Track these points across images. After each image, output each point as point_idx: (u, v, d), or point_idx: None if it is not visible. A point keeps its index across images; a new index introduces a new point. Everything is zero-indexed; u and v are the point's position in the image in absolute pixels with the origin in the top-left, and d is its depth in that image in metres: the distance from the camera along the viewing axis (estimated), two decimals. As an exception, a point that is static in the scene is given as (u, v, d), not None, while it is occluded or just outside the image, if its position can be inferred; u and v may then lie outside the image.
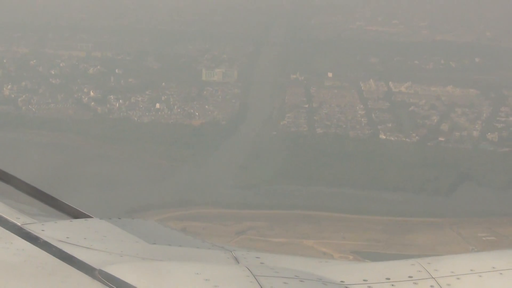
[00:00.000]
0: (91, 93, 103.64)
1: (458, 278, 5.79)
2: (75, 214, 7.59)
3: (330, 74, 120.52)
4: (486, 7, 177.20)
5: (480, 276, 5.82)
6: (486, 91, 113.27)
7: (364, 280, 5.76)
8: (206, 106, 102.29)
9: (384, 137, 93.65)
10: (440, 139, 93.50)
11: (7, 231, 6.53)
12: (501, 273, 5.82)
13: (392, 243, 67.67)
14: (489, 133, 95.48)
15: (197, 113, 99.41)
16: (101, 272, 5.63)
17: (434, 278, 5.78)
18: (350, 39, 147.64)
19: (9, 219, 6.81)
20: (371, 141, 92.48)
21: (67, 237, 6.50)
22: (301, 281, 5.57)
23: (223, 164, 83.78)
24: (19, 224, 6.73)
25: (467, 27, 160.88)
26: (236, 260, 6.31)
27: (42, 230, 6.60)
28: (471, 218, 73.40)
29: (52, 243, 6.30)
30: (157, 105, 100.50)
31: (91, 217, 7.46)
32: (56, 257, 6.00)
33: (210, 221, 69.28)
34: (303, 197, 76.02)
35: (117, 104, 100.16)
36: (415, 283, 5.73)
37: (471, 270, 5.87)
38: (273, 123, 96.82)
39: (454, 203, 77.52)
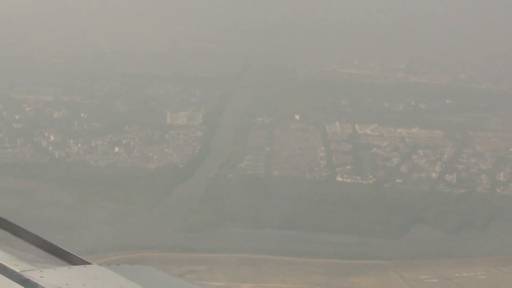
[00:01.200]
0: (51, 138, 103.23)
1: None
2: (74, 260, 7.63)
3: (297, 117, 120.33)
4: (463, 50, 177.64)
5: None
6: (452, 133, 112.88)
7: None
8: (166, 150, 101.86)
9: (340, 179, 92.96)
10: (397, 180, 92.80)
11: (6, 278, 6.54)
12: None
13: (332, 286, 66.72)
14: (447, 174, 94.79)
15: (155, 156, 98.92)
16: None
17: None
18: (323, 82, 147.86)
19: (8, 265, 6.83)
20: (327, 183, 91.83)
21: (66, 284, 6.56)
22: None
23: (173, 207, 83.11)
24: (18, 270, 6.76)
25: (443, 69, 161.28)
26: None
27: (41, 277, 6.63)
28: (416, 261, 72.46)
29: None
30: (116, 149, 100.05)
31: (90, 263, 7.47)
32: None
33: (149, 265, 68.25)
34: (247, 240, 75.14)
35: (76, 148, 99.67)
36: None
37: None
38: (230, 166, 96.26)
39: (402, 245, 76.62)
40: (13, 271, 6.76)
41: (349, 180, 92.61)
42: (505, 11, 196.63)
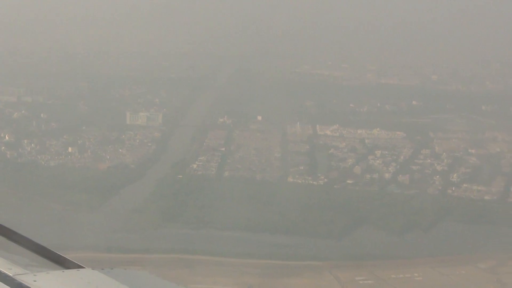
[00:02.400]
0: (6, 137, 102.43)
1: None
2: (67, 264, 7.62)
3: (259, 117, 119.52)
4: (436, 52, 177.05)
5: None
6: (413, 134, 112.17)
7: None
8: (120, 150, 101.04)
9: (292, 180, 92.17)
10: (349, 181, 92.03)
11: None
12: None
13: (264, 287, 65.95)
14: (400, 175, 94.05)
15: (108, 157, 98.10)
16: None
17: None
18: (293, 83, 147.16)
19: (1, 269, 6.78)
20: (277, 184, 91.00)
21: None
22: None
23: (117, 208, 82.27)
24: (11, 274, 6.72)
25: (415, 71, 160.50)
26: None
27: (34, 281, 6.61)
28: (354, 262, 71.73)
29: None
30: (70, 149, 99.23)
31: (83, 267, 7.48)
32: None
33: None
34: (186, 241, 74.36)
35: (29, 148, 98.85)
36: None
37: None
38: (182, 166, 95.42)
39: (343, 246, 75.89)
40: (6, 275, 6.68)
41: (300, 181, 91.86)
42: (478, 13, 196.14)
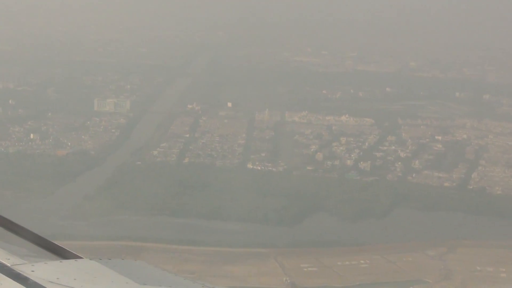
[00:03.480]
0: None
1: None
2: (65, 254, 7.65)
3: (229, 104, 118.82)
4: (416, 39, 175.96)
5: None
6: (382, 120, 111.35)
7: None
8: (83, 137, 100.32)
9: (251, 166, 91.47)
10: (308, 168, 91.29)
11: None
12: None
13: (206, 274, 65.22)
14: (361, 162, 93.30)
15: (69, 143, 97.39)
16: None
17: None
18: (270, 70, 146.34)
19: None
20: (236, 170, 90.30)
21: (57, 278, 6.57)
22: None
23: (70, 194, 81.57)
24: (9, 265, 6.76)
25: (394, 57, 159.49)
26: None
27: (32, 271, 6.67)
28: (302, 249, 71.05)
29: (42, 284, 6.36)
30: (31, 136, 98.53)
31: (81, 257, 7.51)
32: None
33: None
34: (136, 228, 73.69)
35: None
36: None
37: None
38: (143, 153, 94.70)
39: (295, 233, 75.16)
40: (4, 265, 6.73)
41: (259, 168, 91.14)
42: (459, 1, 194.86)
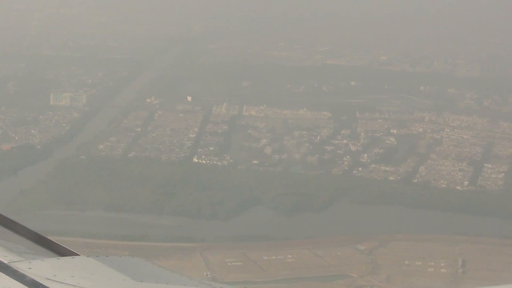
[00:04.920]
0: None
1: None
2: (62, 251, 7.67)
3: (189, 98, 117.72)
4: (388, 32, 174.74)
5: None
6: (339, 114, 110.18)
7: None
8: (32, 131, 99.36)
9: (196, 160, 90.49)
10: (254, 162, 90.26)
11: None
12: None
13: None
14: (309, 156, 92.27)
15: (17, 138, 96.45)
16: None
17: None
18: (238, 64, 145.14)
19: None
20: (180, 164, 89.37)
21: (54, 275, 6.58)
22: None
23: (6, 189, 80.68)
24: (6, 262, 6.76)
25: (365, 51, 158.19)
26: None
27: (29, 268, 6.66)
28: (229, 243, 70.28)
29: (39, 281, 6.36)
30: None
31: (78, 254, 7.48)
32: None
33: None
34: (70, 223, 72.77)
35: None
36: None
37: None
38: (88, 147, 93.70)
39: (228, 227, 74.30)
40: (1, 262, 6.72)
41: (204, 162, 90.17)
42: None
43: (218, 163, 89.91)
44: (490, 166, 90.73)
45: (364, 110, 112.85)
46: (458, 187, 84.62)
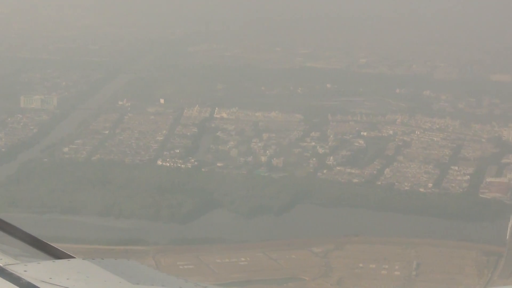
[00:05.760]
0: None
1: None
2: (58, 254, 7.65)
3: (162, 100, 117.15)
4: (369, 35, 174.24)
5: None
6: (311, 116, 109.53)
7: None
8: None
9: (160, 163, 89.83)
10: (218, 164, 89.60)
11: None
12: None
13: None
14: (274, 158, 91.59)
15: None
16: None
17: None
18: (216, 66, 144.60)
19: None
20: (143, 167, 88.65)
21: (50, 278, 6.56)
22: None
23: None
24: (1, 264, 6.72)
25: (345, 54, 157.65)
26: None
27: (25, 271, 6.66)
28: (183, 246, 69.56)
29: (35, 284, 6.34)
30: None
31: (74, 257, 7.53)
32: None
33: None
34: (20, 226, 71.84)
35: None
36: None
37: None
38: (53, 150, 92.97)
39: (184, 230, 73.72)
40: None
41: (168, 164, 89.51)
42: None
43: (182, 165, 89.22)
44: (457, 168, 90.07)
45: (336, 112, 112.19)
46: (421, 190, 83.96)
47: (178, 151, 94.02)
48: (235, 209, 78.03)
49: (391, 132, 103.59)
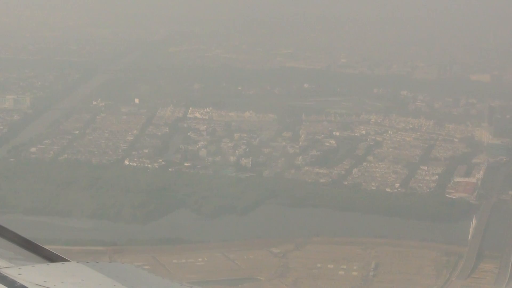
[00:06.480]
0: None
1: None
2: (52, 257, 7.70)
3: (137, 100, 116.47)
4: (351, 35, 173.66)
5: None
6: (285, 116, 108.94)
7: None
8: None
9: (127, 163, 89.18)
10: (186, 164, 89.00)
11: None
12: None
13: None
14: (243, 158, 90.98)
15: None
16: None
17: None
18: (196, 66, 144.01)
19: None
20: (110, 167, 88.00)
21: (44, 281, 6.58)
22: None
23: None
24: None
25: (326, 54, 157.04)
26: None
27: (19, 274, 6.66)
28: (141, 246, 68.95)
29: (29, 287, 6.33)
30: None
31: (68, 260, 7.50)
32: None
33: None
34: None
35: None
36: None
37: None
38: (21, 150, 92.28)
39: (145, 230, 73.07)
40: None
41: (135, 164, 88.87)
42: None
43: (149, 165, 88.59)
44: (426, 168, 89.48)
45: (311, 112, 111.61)
46: (388, 190, 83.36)
47: (146, 151, 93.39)
48: (198, 209, 77.39)
49: (364, 132, 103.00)
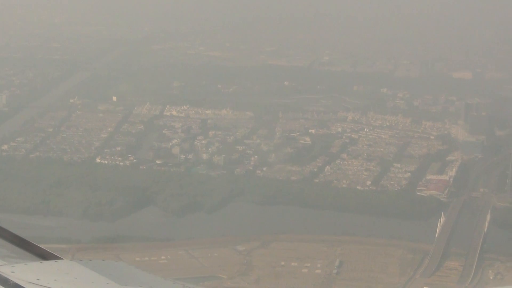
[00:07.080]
0: None
1: None
2: (45, 255, 7.96)
3: (114, 98, 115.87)
4: (335, 32, 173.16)
5: None
6: (262, 114, 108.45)
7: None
8: None
9: (99, 160, 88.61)
10: (157, 162, 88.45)
11: None
12: None
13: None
14: (215, 156, 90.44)
15: None
16: None
17: None
18: (176, 64, 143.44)
19: None
20: (82, 165, 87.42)
21: (38, 279, 6.63)
22: None
23: None
24: None
25: (309, 51, 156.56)
26: None
27: (12, 272, 6.72)
28: (105, 244, 68.43)
29: (22, 285, 6.39)
30: None
31: (61, 258, 7.77)
32: None
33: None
34: None
35: None
36: None
37: None
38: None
39: (111, 228, 72.53)
40: None
41: (106, 162, 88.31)
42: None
43: (121, 163, 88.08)
44: (399, 165, 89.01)
45: (289, 110, 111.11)
46: (359, 187, 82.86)
47: (119, 148, 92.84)
48: (166, 207, 76.89)
49: (340, 129, 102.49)
